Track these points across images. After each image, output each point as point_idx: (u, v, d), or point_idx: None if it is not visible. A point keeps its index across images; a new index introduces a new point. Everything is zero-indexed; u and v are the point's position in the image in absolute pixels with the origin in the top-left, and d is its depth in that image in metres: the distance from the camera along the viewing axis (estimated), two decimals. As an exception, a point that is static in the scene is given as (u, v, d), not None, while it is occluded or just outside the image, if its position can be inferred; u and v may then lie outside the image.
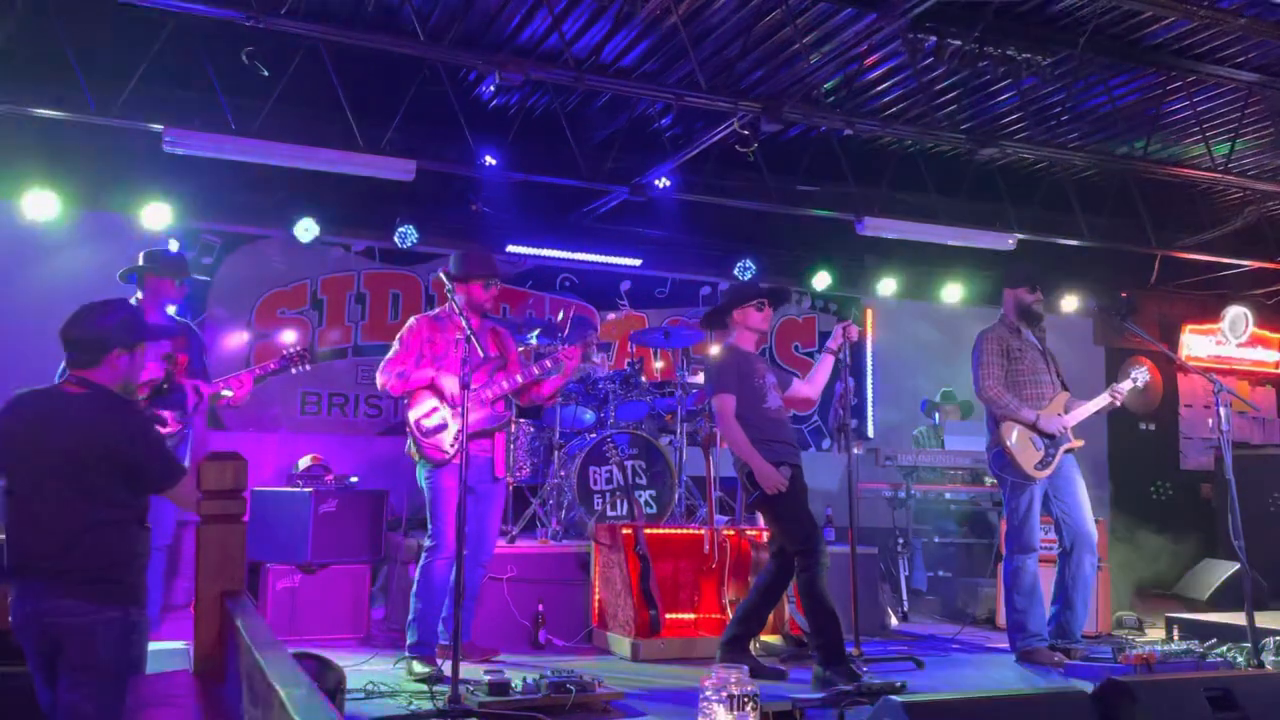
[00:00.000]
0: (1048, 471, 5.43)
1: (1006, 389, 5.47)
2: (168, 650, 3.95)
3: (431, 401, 4.86)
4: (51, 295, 6.93)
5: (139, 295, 5.52)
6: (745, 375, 5.01)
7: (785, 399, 5.13)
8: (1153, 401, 10.14)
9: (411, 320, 5.08)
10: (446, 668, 4.35)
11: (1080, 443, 5.59)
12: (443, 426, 4.83)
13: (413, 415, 4.87)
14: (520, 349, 6.85)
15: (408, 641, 4.83)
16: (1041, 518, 5.53)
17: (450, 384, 4.79)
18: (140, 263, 5.55)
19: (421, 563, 4.86)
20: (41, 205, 6.84)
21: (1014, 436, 5.42)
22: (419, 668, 4.68)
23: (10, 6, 5.76)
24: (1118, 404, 5.69)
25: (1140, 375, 5.72)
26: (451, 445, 4.78)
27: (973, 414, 8.21)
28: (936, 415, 8.45)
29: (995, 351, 5.53)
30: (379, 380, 4.94)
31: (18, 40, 5.91)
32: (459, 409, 4.71)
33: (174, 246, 7.10)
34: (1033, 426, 5.41)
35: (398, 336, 5.02)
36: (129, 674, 2.96)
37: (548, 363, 5.02)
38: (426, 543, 4.87)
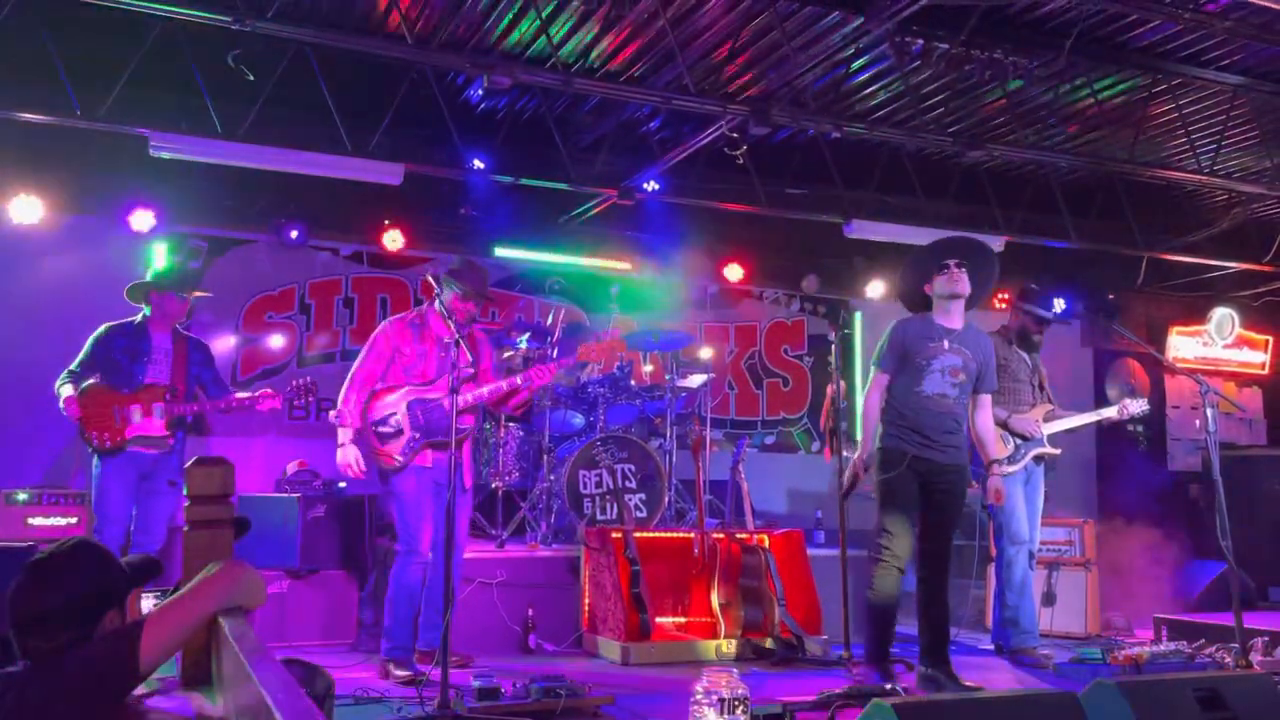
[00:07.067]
0: (1015, 468, 5.55)
1: None
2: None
3: (389, 409, 4.85)
4: (37, 301, 6.91)
5: (146, 312, 5.42)
6: (910, 352, 4.71)
7: None
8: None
9: (383, 325, 5.06)
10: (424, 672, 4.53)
11: (1057, 451, 5.70)
12: (397, 434, 4.82)
13: (371, 422, 4.86)
14: (508, 353, 6.85)
15: (384, 646, 4.84)
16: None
17: (402, 397, 4.81)
18: (148, 278, 5.40)
19: (394, 568, 4.85)
20: (26, 210, 6.78)
21: None
22: (398, 671, 4.69)
23: (-6, 10, 5.72)
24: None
25: (1136, 405, 5.88)
26: (401, 454, 4.78)
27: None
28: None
29: None
30: (339, 404, 4.89)
31: (1, 43, 5.87)
32: (413, 417, 4.78)
33: (159, 251, 7.05)
34: (1004, 425, 5.52)
35: (369, 342, 5.01)
36: None
37: (517, 380, 4.98)
38: (397, 548, 4.86)
